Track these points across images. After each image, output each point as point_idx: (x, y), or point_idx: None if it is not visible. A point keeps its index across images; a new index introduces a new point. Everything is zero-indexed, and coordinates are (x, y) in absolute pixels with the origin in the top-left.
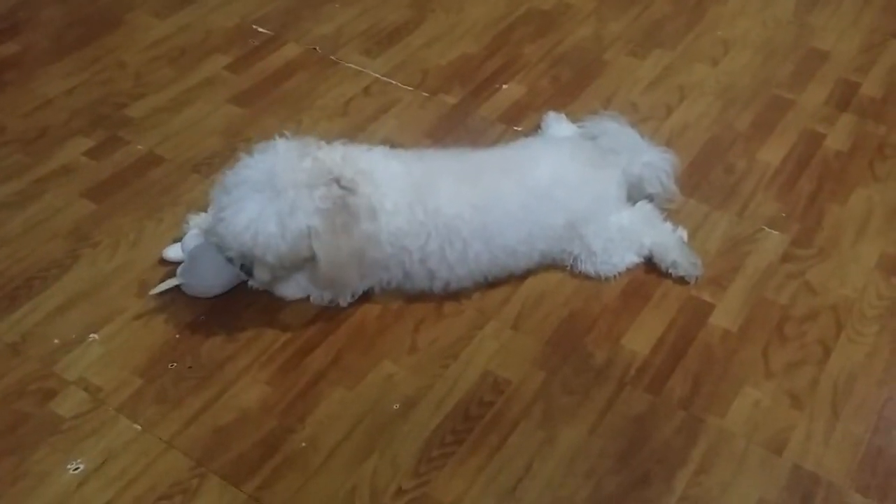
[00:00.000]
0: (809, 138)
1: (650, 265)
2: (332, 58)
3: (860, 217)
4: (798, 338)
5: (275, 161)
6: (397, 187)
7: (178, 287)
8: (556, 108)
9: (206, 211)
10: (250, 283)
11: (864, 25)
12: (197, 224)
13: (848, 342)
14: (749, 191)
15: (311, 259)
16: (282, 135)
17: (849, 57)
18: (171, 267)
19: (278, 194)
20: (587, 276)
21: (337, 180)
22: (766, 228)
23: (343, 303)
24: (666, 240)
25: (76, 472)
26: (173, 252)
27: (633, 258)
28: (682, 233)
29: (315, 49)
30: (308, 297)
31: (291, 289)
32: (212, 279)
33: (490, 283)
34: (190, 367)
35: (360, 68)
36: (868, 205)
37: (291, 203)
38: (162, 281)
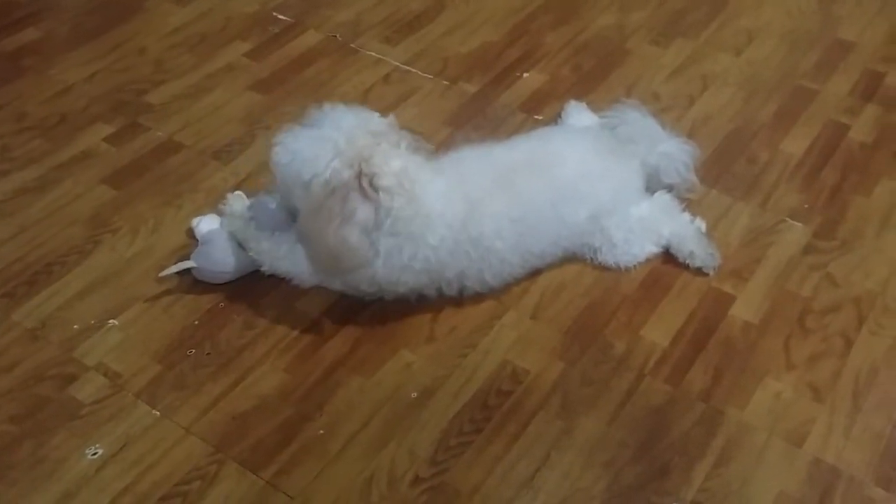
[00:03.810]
0: (833, 129)
1: (670, 256)
2: (353, 45)
3: (884, 209)
4: (820, 330)
5: (341, 120)
6: (446, 222)
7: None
8: (578, 97)
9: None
10: (263, 269)
11: (889, 15)
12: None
13: (870, 335)
14: (772, 182)
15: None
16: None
17: (874, 47)
18: (185, 252)
19: (314, 144)
20: (606, 267)
21: (359, 173)
22: (788, 220)
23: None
24: (684, 230)
25: (94, 457)
26: (206, 224)
27: (652, 248)
28: (700, 224)
29: (335, 36)
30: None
31: (310, 278)
32: (223, 265)
33: None
34: (208, 354)
35: (381, 56)
36: (892, 197)
37: (314, 157)
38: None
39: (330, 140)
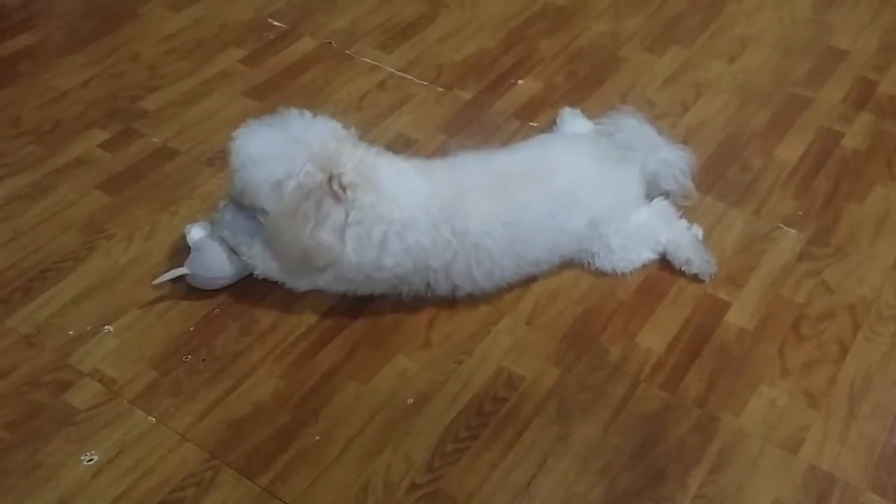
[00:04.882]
0: (827, 137)
1: (665, 262)
2: (348, 52)
3: (877, 216)
4: (815, 337)
5: (310, 125)
6: (420, 205)
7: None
8: (572, 104)
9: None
10: (255, 273)
11: (882, 24)
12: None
13: (865, 342)
14: (766, 189)
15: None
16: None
17: (867, 55)
18: (180, 258)
19: (285, 144)
20: (602, 273)
21: (330, 177)
22: (782, 227)
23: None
24: (680, 237)
25: (90, 463)
26: (198, 231)
27: (648, 255)
28: (697, 230)
29: (330, 43)
30: (320, 291)
31: (303, 282)
32: (216, 271)
33: None
34: (204, 360)
35: (376, 63)
36: (886, 204)
37: (286, 157)
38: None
39: (302, 142)
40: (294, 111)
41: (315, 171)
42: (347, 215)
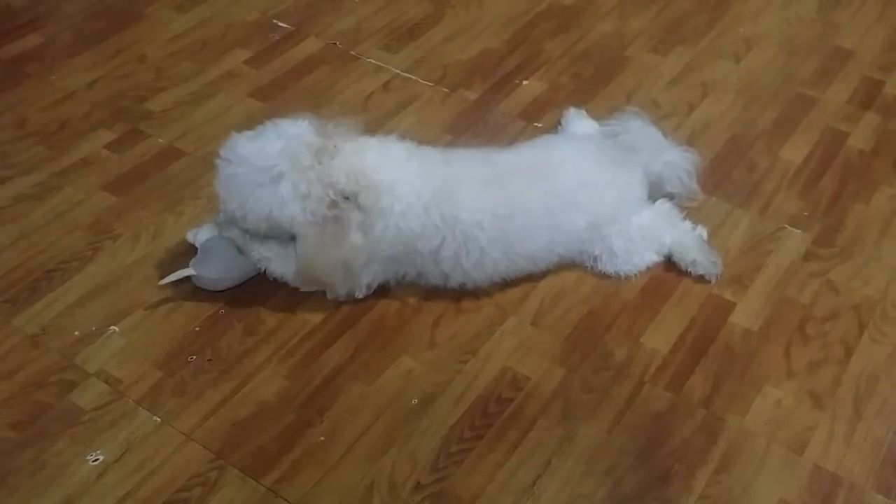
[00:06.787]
0: (832, 137)
1: (670, 263)
2: (353, 53)
3: (883, 217)
4: (820, 337)
5: (285, 150)
6: (414, 190)
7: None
8: (577, 105)
9: None
10: (270, 272)
11: (887, 24)
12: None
13: (870, 342)
14: (771, 189)
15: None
16: (306, 117)
17: (872, 55)
18: (186, 258)
19: (276, 185)
20: (607, 274)
21: (335, 200)
22: (788, 227)
23: (359, 294)
24: (685, 239)
25: (95, 463)
26: (204, 232)
27: (653, 257)
28: (702, 231)
29: (335, 44)
30: (325, 291)
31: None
32: (222, 272)
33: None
34: (209, 360)
35: (381, 63)
36: (891, 204)
37: (282, 199)
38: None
39: (289, 189)
40: (247, 143)
41: (318, 203)
42: (362, 213)
